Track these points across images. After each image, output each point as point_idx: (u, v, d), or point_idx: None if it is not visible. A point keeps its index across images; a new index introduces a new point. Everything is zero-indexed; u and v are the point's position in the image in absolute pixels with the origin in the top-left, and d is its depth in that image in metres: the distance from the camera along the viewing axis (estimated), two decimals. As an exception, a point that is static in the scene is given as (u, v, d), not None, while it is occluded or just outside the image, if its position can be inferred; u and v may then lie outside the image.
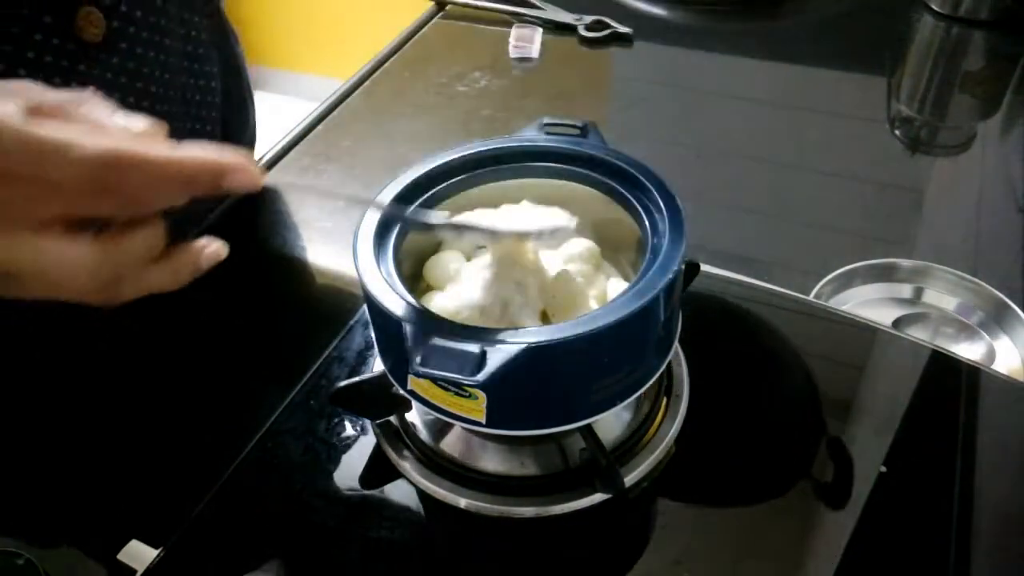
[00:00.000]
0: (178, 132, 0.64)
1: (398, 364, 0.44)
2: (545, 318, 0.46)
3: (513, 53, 0.94)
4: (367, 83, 0.91)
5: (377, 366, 0.52)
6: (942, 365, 0.56)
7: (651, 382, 0.45)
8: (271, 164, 0.79)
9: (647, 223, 0.45)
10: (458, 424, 0.44)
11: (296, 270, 0.70)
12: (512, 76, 0.91)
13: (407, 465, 0.49)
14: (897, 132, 0.85)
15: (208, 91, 0.67)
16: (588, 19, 0.97)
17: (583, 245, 0.51)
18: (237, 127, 0.76)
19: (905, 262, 0.66)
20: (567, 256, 0.49)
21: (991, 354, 0.62)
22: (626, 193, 0.48)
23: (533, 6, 1.00)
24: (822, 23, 1.02)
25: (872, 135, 0.84)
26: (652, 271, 0.41)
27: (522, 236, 0.45)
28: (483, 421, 0.41)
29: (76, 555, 0.48)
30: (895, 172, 0.80)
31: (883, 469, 0.49)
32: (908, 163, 0.82)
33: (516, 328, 0.43)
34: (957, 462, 0.49)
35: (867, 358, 0.58)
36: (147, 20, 0.58)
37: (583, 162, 0.50)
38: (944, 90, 0.92)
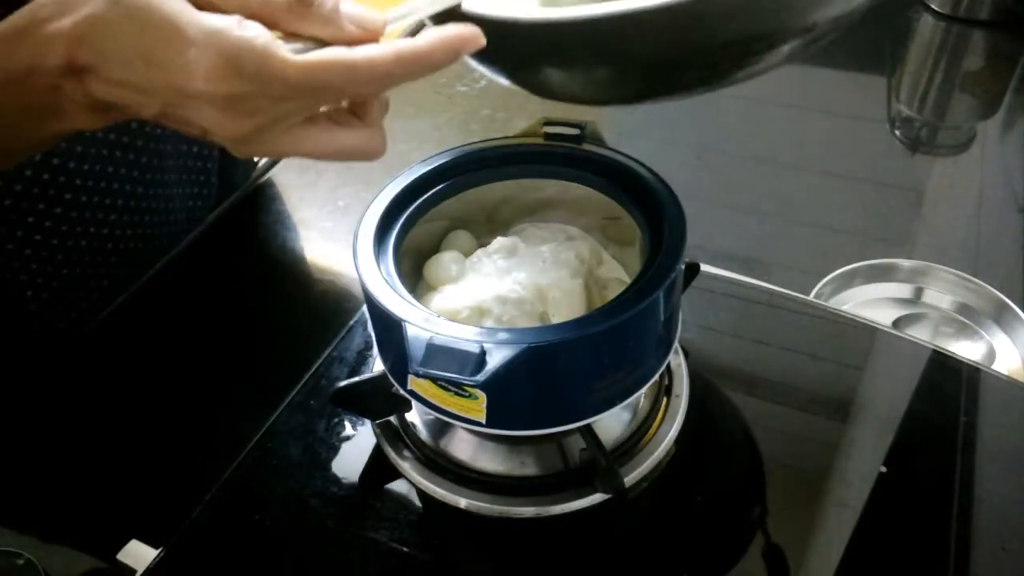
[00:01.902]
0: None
1: (398, 364, 0.44)
2: (545, 318, 0.46)
3: (513, 53, 0.94)
4: (367, 83, 0.91)
5: (377, 366, 0.52)
6: (942, 365, 0.56)
7: (651, 382, 0.45)
8: (271, 164, 0.79)
9: (647, 223, 0.45)
10: (458, 424, 0.44)
11: (296, 270, 0.70)
12: (512, 76, 0.91)
13: (407, 465, 0.49)
14: (897, 132, 0.85)
15: None
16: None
17: (583, 245, 0.51)
18: None
19: (905, 262, 0.66)
20: (567, 256, 0.49)
21: (991, 354, 0.62)
22: (626, 193, 0.48)
23: (533, 6, 1.00)
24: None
25: (872, 135, 0.85)
26: (652, 271, 0.41)
27: None
28: (483, 421, 0.41)
29: (76, 555, 0.48)
30: (895, 172, 0.80)
31: (883, 469, 0.49)
32: (908, 163, 0.82)
33: (516, 328, 0.43)
34: (957, 462, 0.49)
35: (867, 358, 0.58)
36: None
37: (583, 162, 0.50)
38: (944, 90, 0.92)
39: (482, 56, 0.36)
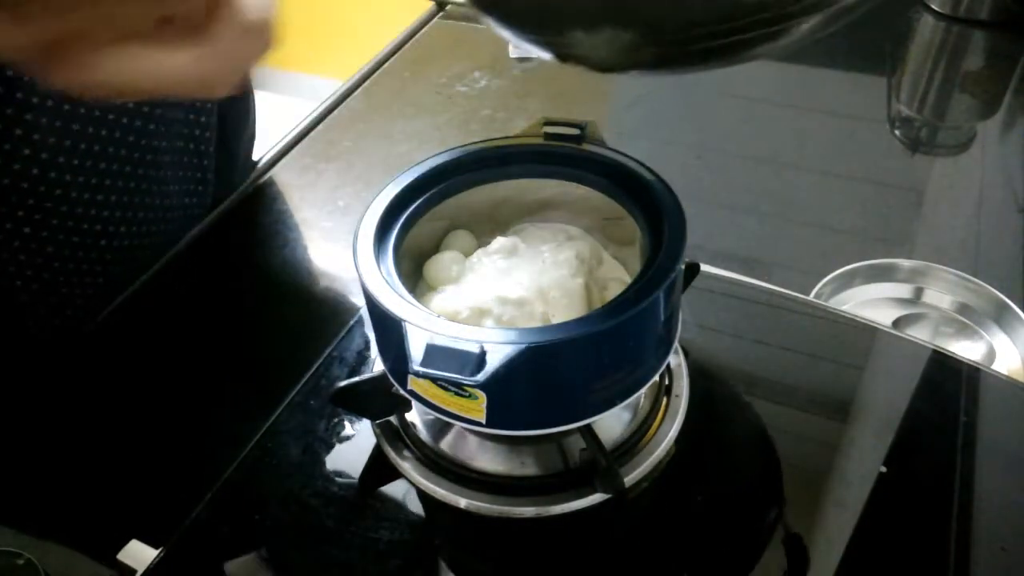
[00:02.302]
0: (171, 120, 0.64)
1: (398, 364, 0.44)
2: (545, 318, 0.46)
3: (513, 53, 0.94)
4: (367, 83, 0.91)
5: (377, 366, 0.52)
6: (942, 365, 0.56)
7: (651, 382, 0.45)
8: (271, 164, 0.79)
9: (647, 223, 0.45)
10: (458, 424, 0.44)
11: (296, 270, 0.70)
12: (512, 76, 0.91)
13: (407, 465, 0.49)
14: (897, 132, 0.85)
15: None
16: (588, 19, 0.97)
17: (583, 245, 0.51)
18: (237, 118, 0.76)
19: (905, 262, 0.66)
20: (567, 256, 0.49)
21: (991, 354, 0.62)
22: (626, 193, 0.48)
23: (533, 6, 1.00)
24: (822, 23, 1.02)
25: (872, 135, 0.85)
26: (652, 271, 0.41)
27: None
28: (483, 421, 0.41)
29: (76, 555, 0.48)
30: (895, 172, 0.80)
31: (883, 469, 0.49)
32: (908, 163, 0.82)
33: (516, 328, 0.43)
34: (957, 462, 0.49)
35: (867, 358, 0.58)
36: None
37: (583, 162, 0.49)
38: (944, 90, 0.92)
39: (504, 14, 0.34)
